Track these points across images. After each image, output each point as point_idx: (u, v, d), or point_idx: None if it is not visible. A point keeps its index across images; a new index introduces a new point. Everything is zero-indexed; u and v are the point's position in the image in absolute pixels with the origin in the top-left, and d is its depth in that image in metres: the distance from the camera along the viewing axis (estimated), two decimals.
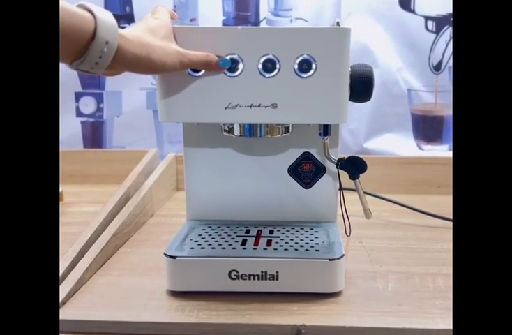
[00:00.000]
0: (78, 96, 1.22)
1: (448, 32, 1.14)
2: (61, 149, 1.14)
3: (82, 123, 1.24)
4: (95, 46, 0.47)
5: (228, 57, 0.57)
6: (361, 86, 0.60)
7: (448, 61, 1.16)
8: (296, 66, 0.58)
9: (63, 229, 0.81)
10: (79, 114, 1.24)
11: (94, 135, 1.24)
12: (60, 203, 1.01)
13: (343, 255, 0.61)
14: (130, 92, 1.21)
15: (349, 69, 0.60)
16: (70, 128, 1.23)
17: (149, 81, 1.20)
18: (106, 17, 0.48)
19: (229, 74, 0.58)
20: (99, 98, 1.22)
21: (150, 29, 0.53)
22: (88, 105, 1.22)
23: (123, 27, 0.54)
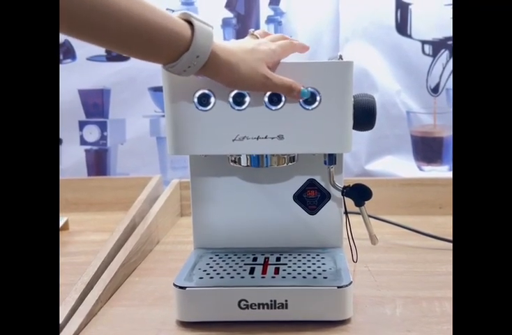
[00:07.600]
0: (82, 125, 1.24)
1: (444, 55, 1.16)
2: (65, 177, 1.17)
3: (86, 151, 1.25)
4: (187, 58, 0.51)
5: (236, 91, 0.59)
6: (364, 116, 0.61)
7: (446, 84, 1.17)
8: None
9: (70, 259, 0.84)
10: (83, 142, 1.25)
11: (98, 162, 1.25)
12: (66, 232, 1.02)
13: (351, 282, 0.61)
14: (134, 120, 1.23)
15: (352, 99, 0.61)
16: (74, 156, 1.24)
17: (152, 108, 1.22)
18: (203, 31, 0.51)
19: (236, 107, 0.59)
20: (103, 126, 1.23)
21: (250, 49, 0.56)
22: (92, 133, 1.23)
23: None
